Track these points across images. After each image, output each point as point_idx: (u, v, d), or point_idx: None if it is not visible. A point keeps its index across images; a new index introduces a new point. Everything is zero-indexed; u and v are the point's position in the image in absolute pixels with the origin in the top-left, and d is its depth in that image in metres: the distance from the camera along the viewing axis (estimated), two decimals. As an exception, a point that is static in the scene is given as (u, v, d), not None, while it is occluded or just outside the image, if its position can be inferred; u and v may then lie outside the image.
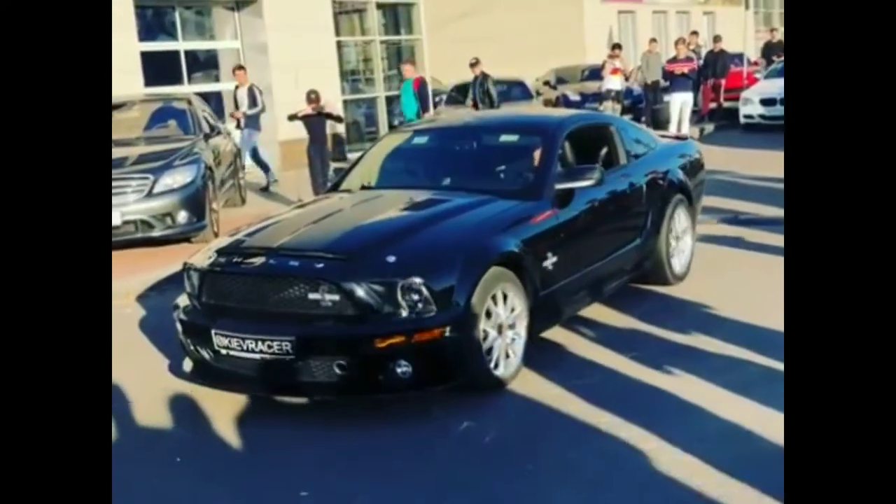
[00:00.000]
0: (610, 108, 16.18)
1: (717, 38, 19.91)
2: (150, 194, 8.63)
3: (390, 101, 18.99)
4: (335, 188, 6.23)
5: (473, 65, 13.65)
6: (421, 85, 13.23)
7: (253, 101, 12.91)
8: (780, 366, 4.70)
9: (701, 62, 18.18)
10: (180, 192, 8.77)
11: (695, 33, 20.95)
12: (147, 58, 13.52)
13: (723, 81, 18.60)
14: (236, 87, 13.11)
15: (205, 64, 15.18)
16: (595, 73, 19.98)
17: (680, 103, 15.82)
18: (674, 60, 16.42)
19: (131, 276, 7.55)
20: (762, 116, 16.50)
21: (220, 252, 4.90)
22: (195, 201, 8.85)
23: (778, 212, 8.76)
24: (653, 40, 19.44)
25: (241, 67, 13.44)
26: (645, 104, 18.24)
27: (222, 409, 4.64)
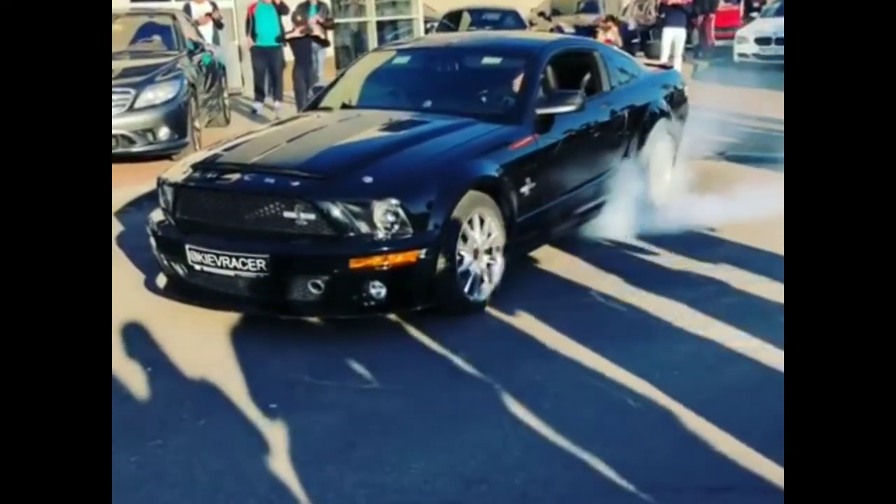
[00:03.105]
0: None
1: None
2: (131, 109, 8.54)
3: (381, 26, 18.74)
4: (314, 106, 6.15)
5: None
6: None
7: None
8: (752, 290, 4.78)
9: None
10: (162, 108, 8.68)
11: None
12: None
13: (712, 16, 18.38)
14: (186, 6, 12.73)
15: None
16: (591, 6, 19.71)
17: (671, 38, 15.53)
18: None
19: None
20: (757, 55, 16.40)
21: (195, 167, 4.84)
22: (177, 118, 8.76)
23: (765, 149, 8.74)
24: None
25: None
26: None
27: (195, 325, 4.64)
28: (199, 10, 12.59)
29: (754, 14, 19.87)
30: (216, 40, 12.87)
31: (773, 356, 3.96)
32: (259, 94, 12.76)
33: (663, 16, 15.99)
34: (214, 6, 12.89)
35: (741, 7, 20.24)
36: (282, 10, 12.36)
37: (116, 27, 10.40)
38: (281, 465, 3.30)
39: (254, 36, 12.33)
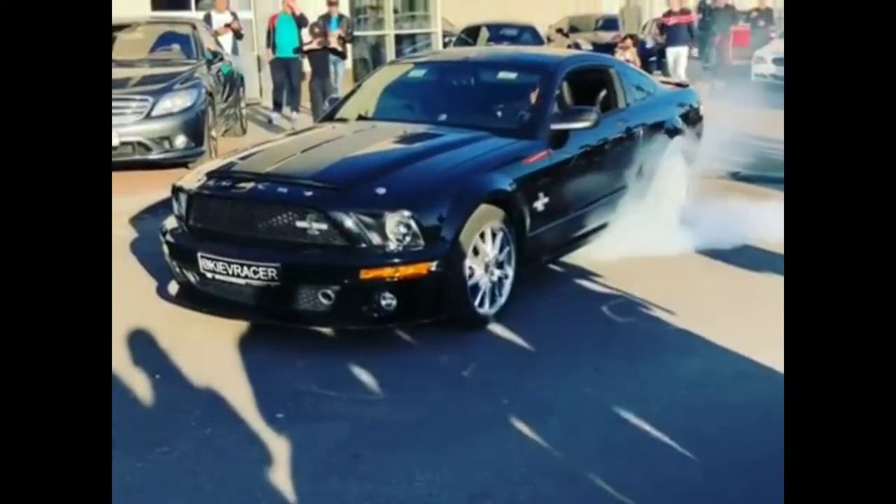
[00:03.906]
0: None
1: None
2: (148, 116, 8.60)
3: (400, 39, 18.83)
4: (330, 117, 6.18)
5: (332, 4, 12.71)
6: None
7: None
8: (761, 308, 4.72)
9: (700, 16, 17.88)
10: (179, 117, 8.73)
11: None
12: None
13: (730, 36, 18.27)
14: (207, 16, 12.82)
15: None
16: (610, 24, 19.73)
17: (674, 56, 15.55)
18: (669, 14, 16.10)
19: (126, 197, 7.54)
20: (774, 76, 16.39)
21: (209, 175, 4.87)
22: (194, 126, 8.82)
23: (779, 169, 8.70)
24: None
25: None
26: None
27: (205, 332, 4.65)
28: (219, 20, 12.69)
29: (773, 35, 19.84)
30: (235, 50, 12.96)
31: (783, 375, 3.93)
32: (276, 104, 12.83)
33: (664, 36, 16.00)
34: (234, 17, 12.99)
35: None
36: (301, 21, 12.45)
37: (136, 35, 10.54)
38: (286, 475, 3.29)
39: (274, 47, 12.42)
